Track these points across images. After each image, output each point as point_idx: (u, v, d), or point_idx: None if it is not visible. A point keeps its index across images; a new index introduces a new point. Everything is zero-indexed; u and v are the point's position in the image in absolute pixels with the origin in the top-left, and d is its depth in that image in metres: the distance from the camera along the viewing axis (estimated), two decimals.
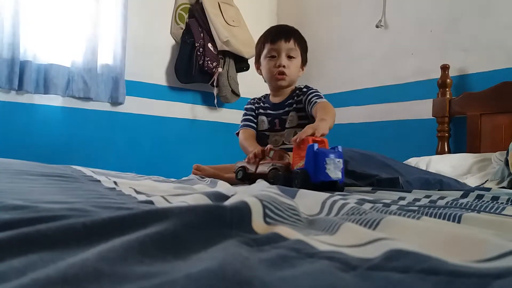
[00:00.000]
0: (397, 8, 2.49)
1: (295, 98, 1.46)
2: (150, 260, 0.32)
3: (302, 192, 0.81)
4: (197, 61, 2.73)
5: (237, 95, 2.89)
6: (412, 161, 1.93)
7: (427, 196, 0.94)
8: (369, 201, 0.77)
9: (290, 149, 1.30)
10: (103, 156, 2.50)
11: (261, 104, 1.56)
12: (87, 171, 1.17)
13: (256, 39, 1.60)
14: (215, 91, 2.82)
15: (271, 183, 1.00)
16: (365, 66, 2.66)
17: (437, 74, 2.15)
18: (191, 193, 0.77)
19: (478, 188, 1.17)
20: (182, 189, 0.91)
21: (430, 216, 0.62)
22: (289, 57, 1.44)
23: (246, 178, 1.22)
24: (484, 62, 2.06)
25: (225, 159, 1.78)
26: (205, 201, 0.65)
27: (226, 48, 2.75)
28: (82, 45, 2.37)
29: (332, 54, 2.91)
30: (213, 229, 0.40)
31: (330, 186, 1.00)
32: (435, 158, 1.92)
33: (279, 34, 1.44)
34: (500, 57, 2.00)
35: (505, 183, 1.43)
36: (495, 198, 0.90)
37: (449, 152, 2.09)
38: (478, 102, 2.00)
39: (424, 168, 1.76)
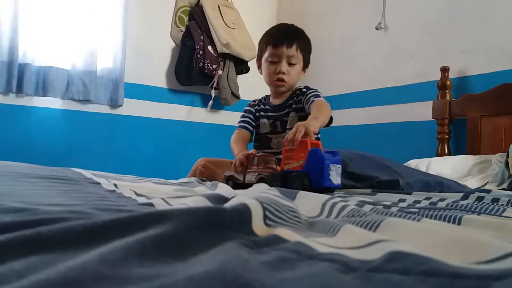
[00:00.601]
0: (397, 10, 2.50)
1: (295, 98, 1.46)
2: (150, 263, 0.32)
3: (302, 194, 0.81)
4: (197, 64, 2.74)
5: (237, 97, 2.89)
6: (412, 163, 1.93)
7: (428, 198, 0.94)
8: (370, 203, 0.77)
9: None
10: (103, 158, 2.50)
11: (262, 106, 1.55)
12: (87, 173, 1.17)
13: (256, 41, 1.60)
14: (213, 93, 2.82)
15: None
16: (365, 68, 2.67)
17: (437, 76, 2.15)
18: (191, 195, 0.77)
19: (478, 190, 1.17)
20: (182, 191, 0.91)
21: (431, 218, 0.62)
22: (290, 63, 1.41)
23: (236, 188, 1.21)
24: (484, 64, 2.06)
25: None
26: (205, 203, 0.65)
27: (226, 51, 2.75)
28: (81, 48, 2.38)
29: (332, 56, 2.91)
30: (213, 231, 0.40)
31: (324, 189, 1.02)
32: (435, 160, 1.92)
33: (281, 39, 1.40)
34: (500, 59, 2.00)
35: (505, 185, 1.43)
36: (495, 200, 0.90)
37: (449, 154, 2.09)
38: (478, 104, 2.00)
39: (424, 170, 1.76)
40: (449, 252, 0.37)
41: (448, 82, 2.11)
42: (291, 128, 1.40)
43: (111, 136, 2.57)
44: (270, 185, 1.02)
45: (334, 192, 1.05)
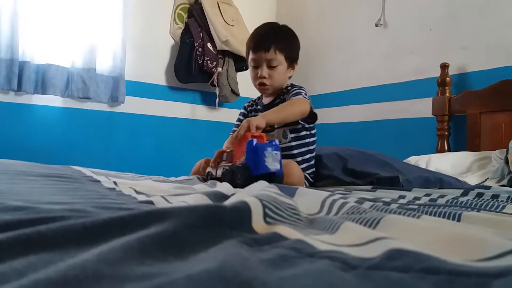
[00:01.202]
0: (396, 7, 2.49)
1: (281, 97, 1.46)
2: (150, 261, 0.32)
3: (302, 191, 0.81)
4: (196, 61, 2.73)
5: (237, 94, 2.89)
6: (412, 160, 1.93)
7: (427, 195, 0.94)
8: (369, 200, 0.77)
9: (283, 148, 1.31)
10: (102, 156, 2.50)
11: (254, 106, 1.57)
12: (87, 171, 1.17)
13: None
14: (217, 91, 2.81)
15: (221, 180, 1.09)
16: (365, 65, 2.66)
17: (437, 73, 2.15)
18: (191, 193, 0.77)
19: (478, 186, 1.17)
20: (182, 189, 0.91)
21: (430, 214, 0.62)
22: (271, 66, 1.40)
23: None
24: (484, 60, 2.06)
25: None
26: (205, 201, 0.65)
27: (226, 48, 2.75)
28: (81, 45, 2.37)
29: (332, 53, 2.91)
30: (213, 229, 0.40)
31: (270, 178, 1.05)
32: (435, 156, 1.92)
33: (258, 44, 1.40)
34: (500, 55, 2.00)
35: (505, 181, 1.43)
36: (495, 196, 0.90)
37: (449, 150, 2.09)
38: (478, 100, 2.00)
39: (424, 167, 1.76)
40: (449, 250, 0.37)
41: (447, 78, 2.11)
42: (279, 127, 1.40)
43: (110, 134, 2.57)
44: (226, 180, 1.08)
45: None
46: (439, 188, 1.14)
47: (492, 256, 0.34)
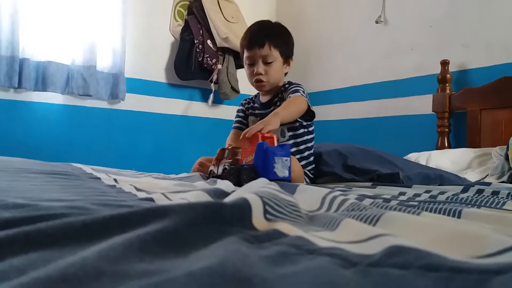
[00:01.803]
0: (396, 4, 2.48)
1: (279, 96, 1.45)
2: (150, 258, 0.32)
3: (302, 188, 0.81)
4: (196, 58, 2.73)
5: (237, 91, 2.89)
6: (412, 157, 1.93)
7: (427, 191, 0.94)
8: (369, 197, 0.77)
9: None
10: (103, 153, 2.50)
11: (252, 104, 1.56)
12: (87, 168, 1.17)
13: None
14: (213, 87, 2.81)
15: (223, 178, 1.06)
16: (365, 62, 2.66)
17: (437, 70, 2.15)
18: (191, 190, 0.77)
19: (478, 183, 1.17)
20: (182, 186, 0.91)
21: (430, 211, 0.62)
22: (266, 62, 1.40)
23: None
24: (484, 57, 2.05)
25: None
26: (206, 198, 0.65)
27: (226, 45, 2.74)
28: (81, 43, 2.36)
29: (332, 50, 2.90)
30: (213, 226, 0.40)
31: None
32: (435, 153, 1.92)
33: (252, 41, 1.40)
34: (500, 52, 1.99)
35: (505, 178, 1.43)
36: (495, 193, 0.90)
37: (449, 147, 2.09)
38: (478, 97, 2.00)
39: (424, 164, 1.76)
40: (449, 246, 0.37)
41: (448, 75, 2.11)
42: None
43: (110, 131, 2.57)
44: (229, 180, 1.05)
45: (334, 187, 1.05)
46: (439, 185, 1.14)
47: (492, 253, 0.34)
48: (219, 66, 2.77)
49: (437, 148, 2.09)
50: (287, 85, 1.44)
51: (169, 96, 2.81)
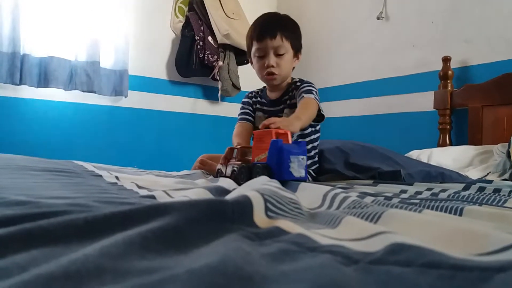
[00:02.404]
0: (398, 0, 2.48)
1: (290, 93, 1.41)
2: (152, 255, 0.32)
3: (304, 186, 0.81)
4: (197, 55, 2.72)
5: (238, 88, 2.88)
6: (414, 154, 1.92)
7: (429, 189, 0.94)
8: (371, 194, 0.77)
9: None
10: (104, 150, 2.50)
11: (258, 98, 1.51)
12: (89, 166, 1.17)
13: None
14: (219, 85, 2.80)
15: (234, 180, 0.99)
16: (366, 58, 2.65)
17: (439, 66, 2.14)
18: (193, 187, 0.78)
19: (480, 180, 1.17)
20: (184, 184, 0.91)
21: (432, 209, 0.62)
22: (278, 54, 1.36)
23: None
24: (486, 53, 2.05)
25: None
26: (207, 195, 0.65)
27: (227, 41, 2.73)
28: (83, 39, 2.36)
29: (333, 47, 2.89)
30: (215, 224, 0.40)
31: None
32: (437, 150, 1.91)
33: (263, 32, 1.35)
34: (502, 48, 1.98)
35: (507, 175, 1.43)
36: (497, 191, 0.90)
37: (451, 144, 2.08)
38: (479, 94, 1.99)
39: (425, 161, 1.76)
40: (451, 244, 0.37)
41: (449, 72, 2.10)
42: None
43: (112, 129, 2.57)
44: (239, 179, 1.00)
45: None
46: (440, 182, 1.14)
47: (494, 250, 0.34)
48: (220, 62, 2.77)
49: (439, 145, 2.09)
50: (298, 83, 1.40)
51: (170, 93, 2.81)
